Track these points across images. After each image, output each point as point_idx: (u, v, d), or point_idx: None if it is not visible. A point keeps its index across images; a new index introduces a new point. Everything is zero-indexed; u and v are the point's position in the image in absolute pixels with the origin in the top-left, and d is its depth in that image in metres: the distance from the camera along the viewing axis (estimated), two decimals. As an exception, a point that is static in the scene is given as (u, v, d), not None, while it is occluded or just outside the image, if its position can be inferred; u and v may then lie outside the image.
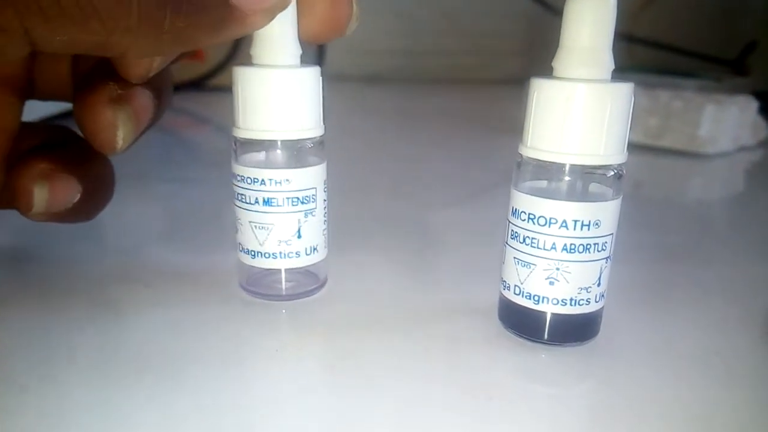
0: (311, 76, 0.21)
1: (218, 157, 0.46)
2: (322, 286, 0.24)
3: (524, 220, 0.19)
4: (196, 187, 0.39)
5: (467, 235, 0.32)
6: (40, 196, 0.19)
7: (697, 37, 0.85)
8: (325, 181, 0.22)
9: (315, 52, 0.85)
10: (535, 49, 0.90)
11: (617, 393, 0.18)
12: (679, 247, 0.31)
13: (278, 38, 0.20)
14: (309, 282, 0.24)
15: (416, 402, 0.17)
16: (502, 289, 0.21)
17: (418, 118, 0.69)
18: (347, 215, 0.34)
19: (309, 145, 0.22)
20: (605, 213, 0.19)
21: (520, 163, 0.20)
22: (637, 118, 0.52)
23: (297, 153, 0.22)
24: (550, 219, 0.19)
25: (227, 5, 0.15)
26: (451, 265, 0.28)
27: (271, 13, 0.16)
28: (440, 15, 0.93)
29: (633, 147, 0.56)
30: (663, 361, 0.20)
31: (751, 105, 0.53)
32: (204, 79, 0.76)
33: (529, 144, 0.19)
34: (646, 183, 0.46)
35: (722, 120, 0.50)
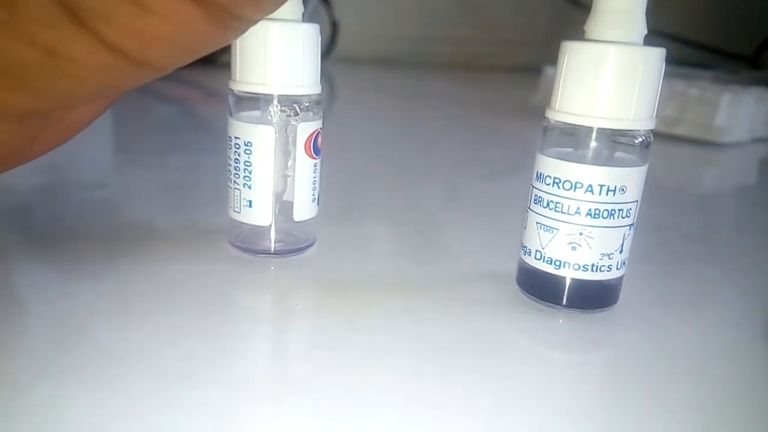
0: (310, 32, 0.21)
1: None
2: (309, 245, 0.24)
3: (549, 184, 0.19)
4: (205, 157, 0.39)
5: (485, 209, 0.32)
6: None
7: (713, 33, 0.84)
8: (295, 141, 0.22)
9: (328, 35, 0.85)
10: (550, 38, 0.89)
11: (633, 362, 0.18)
12: (687, 236, 0.31)
13: None
14: (293, 241, 0.23)
15: (428, 362, 0.17)
16: (522, 255, 0.20)
17: (431, 102, 0.69)
18: (362, 190, 0.34)
19: (305, 102, 0.22)
20: (631, 179, 0.19)
21: (547, 127, 0.19)
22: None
23: (293, 110, 0.22)
24: (576, 183, 0.18)
25: None
26: (469, 236, 0.28)
27: None
28: (457, 3, 0.93)
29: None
30: (680, 339, 0.20)
31: (767, 97, 0.52)
32: (216, 54, 0.76)
33: (557, 107, 0.19)
34: (659, 170, 0.46)
35: (738, 110, 0.50)
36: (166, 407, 0.14)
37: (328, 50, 0.85)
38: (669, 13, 0.86)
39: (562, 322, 0.19)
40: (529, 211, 0.20)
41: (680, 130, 0.51)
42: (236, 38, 0.14)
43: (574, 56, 0.18)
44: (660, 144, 0.51)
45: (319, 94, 0.22)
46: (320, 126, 0.23)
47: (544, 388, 0.16)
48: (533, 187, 0.20)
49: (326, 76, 0.79)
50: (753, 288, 0.24)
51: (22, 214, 0.27)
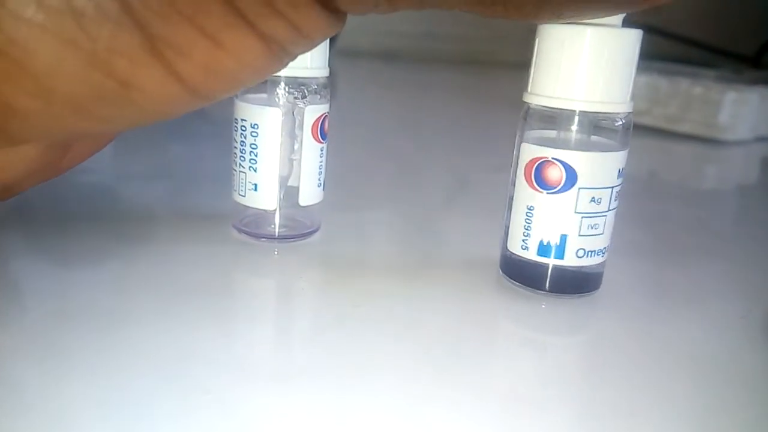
0: None
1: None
2: (314, 231, 0.24)
3: None
4: (206, 144, 0.38)
5: (488, 198, 0.32)
6: None
7: (715, 33, 0.84)
8: (302, 124, 0.22)
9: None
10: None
11: (614, 346, 0.18)
12: (687, 231, 0.31)
13: None
14: (298, 226, 0.23)
15: (425, 347, 0.17)
16: (507, 243, 0.20)
17: (433, 95, 0.69)
18: (365, 179, 0.34)
19: (313, 85, 0.22)
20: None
21: (526, 111, 0.19)
22: (657, 102, 0.51)
23: (300, 93, 0.22)
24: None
25: None
26: (471, 224, 0.27)
27: None
28: None
29: (652, 131, 0.55)
30: (667, 328, 0.19)
31: (771, 96, 0.52)
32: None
33: (536, 91, 0.19)
34: (662, 167, 0.45)
35: (742, 108, 0.50)
36: (169, 390, 0.14)
37: (329, 44, 0.85)
38: (672, 12, 0.86)
39: (544, 307, 0.19)
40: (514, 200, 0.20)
41: (684, 128, 0.50)
42: (276, 71, 0.15)
43: (551, 38, 0.18)
44: (663, 141, 0.51)
45: (327, 77, 0.22)
46: (327, 110, 0.22)
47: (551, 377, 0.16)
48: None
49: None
50: (751, 284, 0.24)
51: (18, 198, 0.26)
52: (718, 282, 0.23)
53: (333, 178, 0.24)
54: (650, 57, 0.68)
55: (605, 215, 0.19)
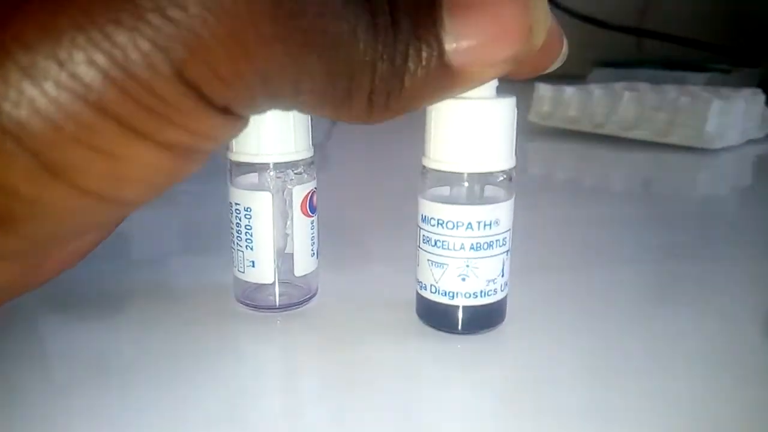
0: None
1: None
2: (312, 296, 0.25)
3: (434, 225, 0.21)
4: (212, 201, 0.40)
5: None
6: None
7: (707, 29, 0.85)
8: (292, 203, 0.23)
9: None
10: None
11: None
12: (684, 244, 0.32)
13: None
14: (298, 294, 0.25)
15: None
16: (418, 289, 0.22)
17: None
18: (360, 228, 0.35)
19: (299, 167, 0.24)
20: (502, 212, 0.21)
21: (424, 172, 0.22)
22: (644, 114, 0.52)
23: (287, 175, 0.23)
24: (457, 222, 0.21)
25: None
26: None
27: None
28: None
29: (641, 144, 0.56)
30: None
31: (758, 98, 0.53)
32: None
33: (431, 156, 0.21)
34: (654, 179, 0.47)
35: (729, 115, 0.51)
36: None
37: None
38: (665, 12, 0.87)
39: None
40: (419, 249, 0.22)
41: (672, 139, 0.51)
42: (199, 167, 0.15)
43: (438, 111, 0.20)
44: (653, 152, 0.52)
45: (312, 157, 0.24)
46: (314, 186, 0.24)
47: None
48: (420, 228, 0.22)
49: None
50: (736, 312, 0.25)
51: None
52: (708, 287, 0.25)
53: (330, 219, 0.26)
54: (641, 61, 0.69)
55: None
